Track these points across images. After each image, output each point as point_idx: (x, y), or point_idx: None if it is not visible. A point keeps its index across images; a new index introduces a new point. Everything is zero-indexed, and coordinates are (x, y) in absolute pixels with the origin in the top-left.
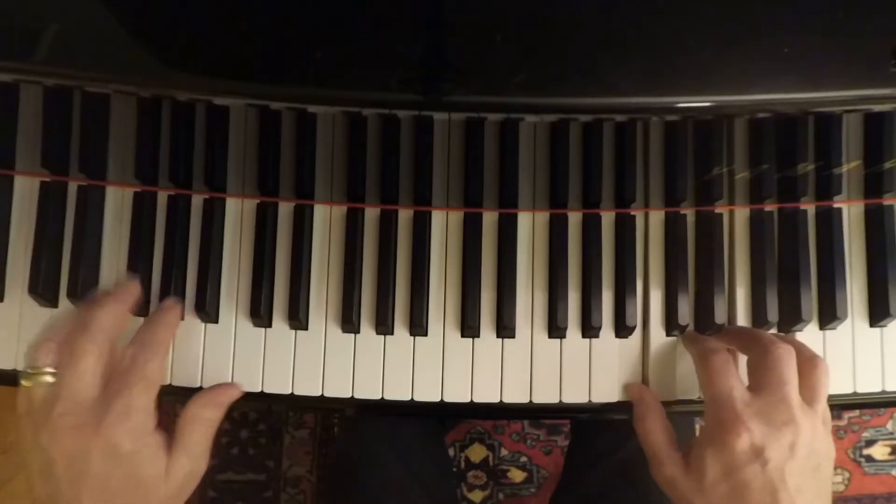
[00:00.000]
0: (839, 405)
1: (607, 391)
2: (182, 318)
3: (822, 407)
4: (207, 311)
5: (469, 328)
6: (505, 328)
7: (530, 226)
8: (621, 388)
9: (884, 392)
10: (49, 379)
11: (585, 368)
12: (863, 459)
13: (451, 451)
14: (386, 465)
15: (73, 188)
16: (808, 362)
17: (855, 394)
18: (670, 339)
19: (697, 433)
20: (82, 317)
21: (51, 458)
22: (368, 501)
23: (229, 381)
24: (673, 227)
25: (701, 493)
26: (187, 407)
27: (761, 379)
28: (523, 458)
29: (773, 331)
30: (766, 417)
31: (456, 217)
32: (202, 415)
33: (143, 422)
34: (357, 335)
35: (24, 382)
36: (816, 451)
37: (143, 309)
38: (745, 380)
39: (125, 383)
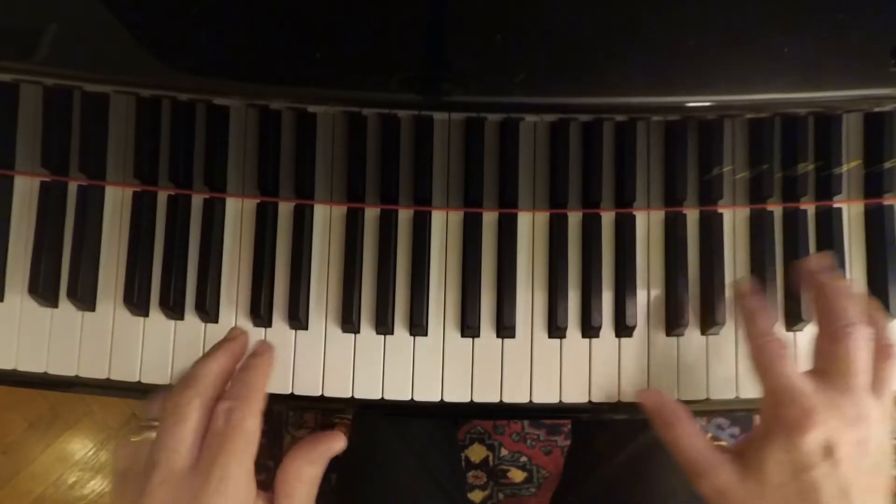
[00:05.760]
0: None
1: (607, 391)
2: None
3: (889, 400)
4: (207, 311)
5: (469, 328)
6: (505, 328)
7: (530, 226)
8: (622, 389)
9: None
10: (153, 435)
11: (585, 368)
12: None
13: None
14: (400, 462)
15: (73, 188)
16: (882, 351)
17: None
18: (671, 338)
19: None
20: (189, 370)
21: None
22: (383, 498)
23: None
24: (673, 227)
25: (762, 499)
26: (287, 465)
27: (830, 365)
28: (523, 458)
29: (777, 328)
30: (837, 411)
31: (456, 217)
32: (304, 474)
33: (241, 489)
34: (357, 335)
35: (133, 438)
36: (883, 448)
37: (141, 309)
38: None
39: (221, 448)
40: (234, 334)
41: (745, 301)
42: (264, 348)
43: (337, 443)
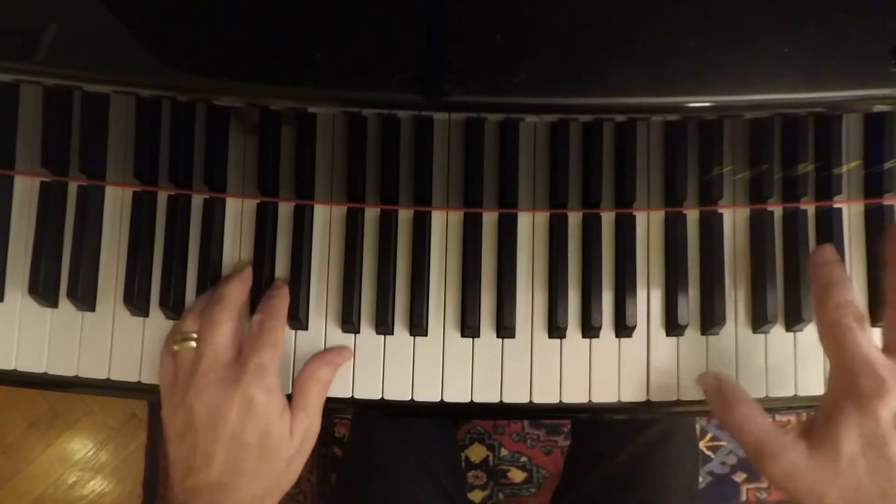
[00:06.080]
0: None
1: (607, 391)
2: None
3: None
4: None
5: (469, 328)
6: (505, 328)
7: (530, 226)
8: (622, 390)
9: None
10: (193, 344)
11: (585, 368)
12: None
13: None
14: (400, 462)
15: (73, 188)
16: None
17: None
18: (671, 338)
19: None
20: (216, 293)
21: (193, 412)
22: (383, 498)
23: None
24: (673, 227)
25: (836, 476)
26: (304, 368)
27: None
28: (523, 458)
29: (777, 328)
30: None
31: (456, 217)
32: (318, 375)
33: (273, 379)
34: (357, 335)
35: (175, 347)
36: None
37: (141, 309)
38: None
39: (257, 345)
40: (242, 266)
41: (824, 270)
42: (282, 282)
43: (347, 353)
